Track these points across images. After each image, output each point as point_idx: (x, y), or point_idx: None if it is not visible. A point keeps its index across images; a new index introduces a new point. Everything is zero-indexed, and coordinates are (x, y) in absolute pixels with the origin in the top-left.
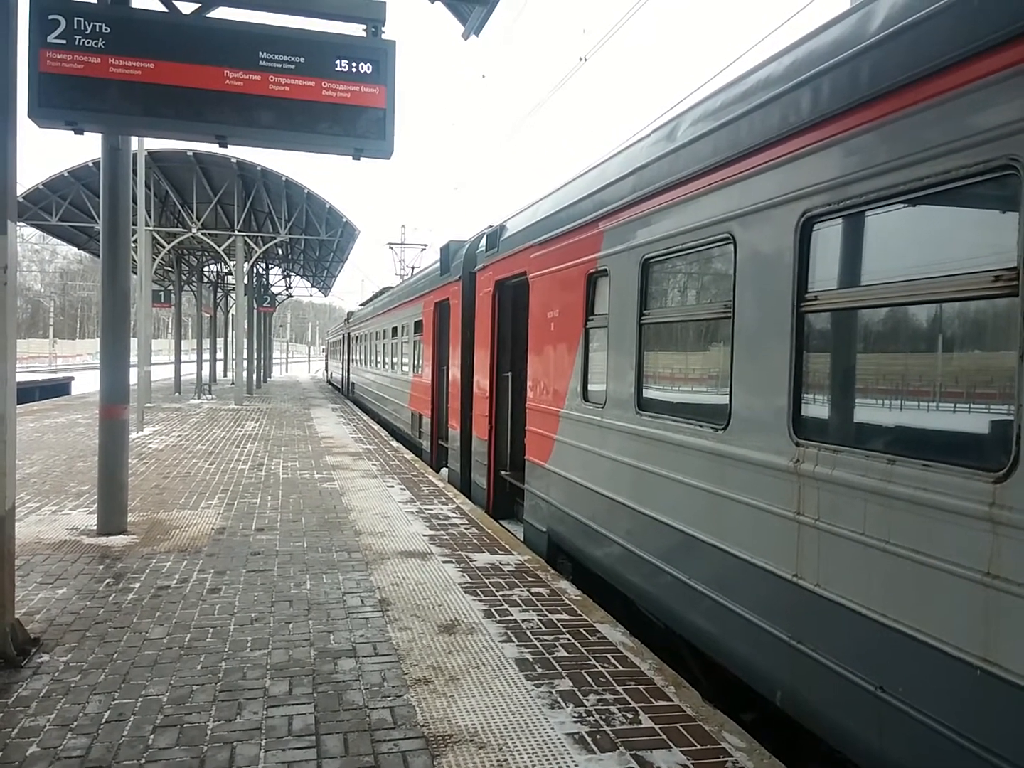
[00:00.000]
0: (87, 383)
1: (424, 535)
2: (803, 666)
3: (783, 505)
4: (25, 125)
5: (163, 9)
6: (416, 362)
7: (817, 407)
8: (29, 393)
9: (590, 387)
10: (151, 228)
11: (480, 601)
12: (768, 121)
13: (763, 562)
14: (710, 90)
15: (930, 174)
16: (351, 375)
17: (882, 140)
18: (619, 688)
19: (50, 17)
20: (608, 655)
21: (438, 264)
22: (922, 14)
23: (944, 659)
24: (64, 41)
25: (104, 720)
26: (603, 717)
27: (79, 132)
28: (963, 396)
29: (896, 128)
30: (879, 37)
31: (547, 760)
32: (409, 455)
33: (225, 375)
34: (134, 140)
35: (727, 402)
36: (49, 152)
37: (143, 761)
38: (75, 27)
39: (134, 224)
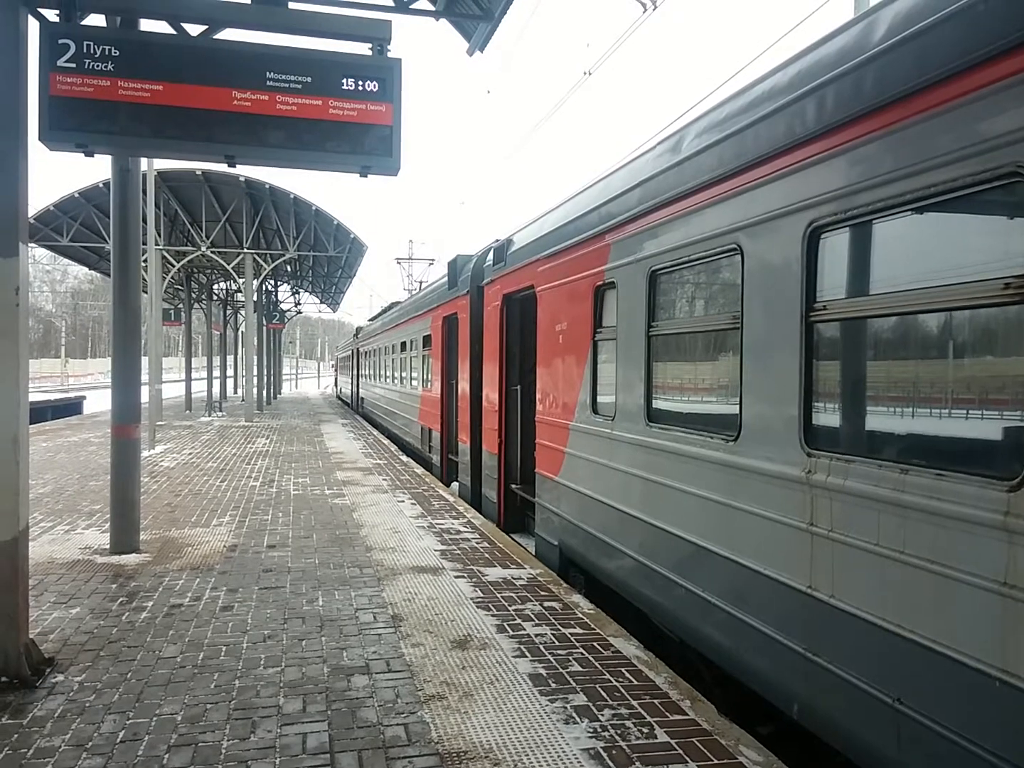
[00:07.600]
0: (99, 402)
1: (435, 550)
2: (820, 678)
3: (796, 516)
4: (36, 148)
5: (171, 31)
6: (425, 376)
7: (828, 417)
8: (41, 413)
9: (599, 400)
10: (161, 247)
11: (493, 616)
12: (774, 131)
13: (776, 573)
14: (715, 101)
15: (937, 182)
16: (360, 390)
17: (888, 149)
18: (634, 702)
19: (60, 41)
20: (622, 669)
21: (446, 278)
22: (927, 23)
23: (962, 670)
24: (74, 65)
25: (119, 740)
26: (618, 732)
27: (89, 154)
28: (975, 404)
29: (902, 137)
30: (884, 46)
31: None
32: (419, 469)
33: (235, 392)
34: (144, 160)
35: (737, 413)
36: (60, 173)
37: None
38: (85, 51)
39: (144, 244)
